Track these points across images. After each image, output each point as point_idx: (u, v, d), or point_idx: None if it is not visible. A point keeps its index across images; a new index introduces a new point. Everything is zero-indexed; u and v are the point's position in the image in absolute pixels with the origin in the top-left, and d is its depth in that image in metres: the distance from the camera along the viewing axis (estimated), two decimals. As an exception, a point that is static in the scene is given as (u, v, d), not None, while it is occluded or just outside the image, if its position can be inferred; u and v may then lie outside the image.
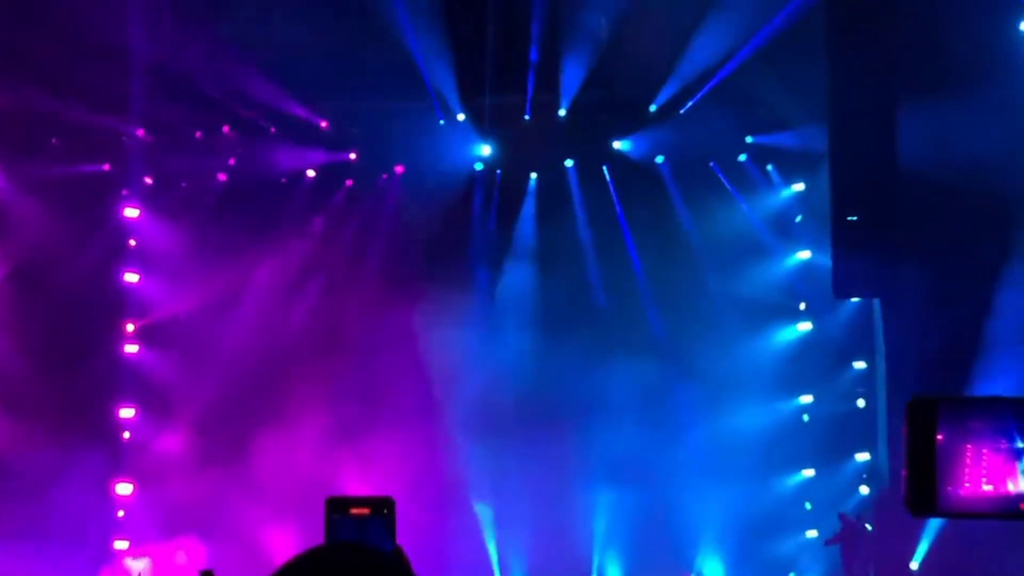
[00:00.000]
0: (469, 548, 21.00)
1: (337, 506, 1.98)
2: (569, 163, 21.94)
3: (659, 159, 21.84)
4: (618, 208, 21.78)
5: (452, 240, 21.58)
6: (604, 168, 21.87)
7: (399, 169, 21.82)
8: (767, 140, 21.39)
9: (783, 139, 21.13)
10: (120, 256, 21.59)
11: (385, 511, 1.96)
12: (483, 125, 21.51)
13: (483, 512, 21.30)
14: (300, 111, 21.12)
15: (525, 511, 20.98)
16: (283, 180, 21.80)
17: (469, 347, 21.18)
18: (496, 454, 20.99)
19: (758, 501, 20.99)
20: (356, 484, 20.38)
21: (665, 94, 21.16)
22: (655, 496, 20.67)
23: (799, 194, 21.60)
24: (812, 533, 21.36)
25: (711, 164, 21.79)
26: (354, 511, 1.99)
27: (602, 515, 21.09)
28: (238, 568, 19.09)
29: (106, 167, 21.36)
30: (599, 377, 20.49)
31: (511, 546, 21.25)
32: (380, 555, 1.67)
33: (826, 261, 19.26)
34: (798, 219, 21.73)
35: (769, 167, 21.78)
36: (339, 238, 21.77)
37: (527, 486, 20.93)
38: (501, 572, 21.20)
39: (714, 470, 20.63)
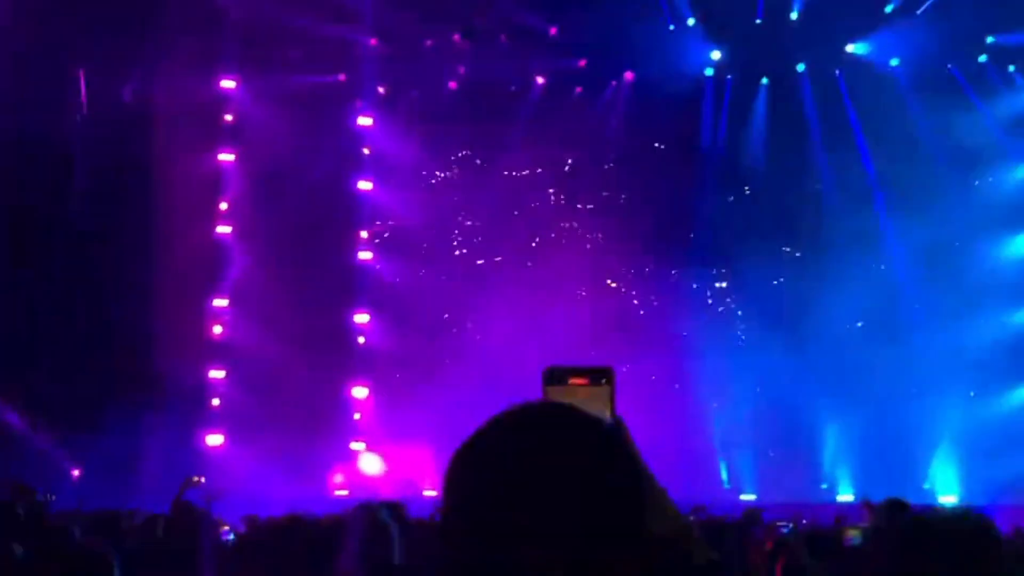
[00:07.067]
0: (697, 456, 20.94)
1: (555, 376, 1.94)
2: (801, 67, 21.51)
3: (894, 62, 21.26)
4: (851, 113, 21.31)
5: (683, 145, 21.41)
6: (837, 72, 21.39)
7: (629, 76, 21.70)
8: (1010, 40, 20.58)
9: (1028, 38, 20.38)
10: (354, 164, 22.00)
11: (604, 381, 1.92)
12: (713, 30, 21.22)
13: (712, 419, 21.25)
14: (530, 18, 21.10)
15: (753, 421, 20.84)
16: (512, 88, 21.88)
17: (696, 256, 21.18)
18: (721, 355, 20.88)
19: (992, 415, 20.41)
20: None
21: (903, -7, 20.57)
22: (885, 410, 20.25)
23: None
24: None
25: (949, 66, 21.12)
26: (572, 381, 1.95)
27: (832, 429, 20.79)
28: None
29: (341, 77, 21.71)
30: (827, 288, 20.10)
31: (739, 454, 21.16)
32: (595, 419, 1.66)
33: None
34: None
35: (1011, 68, 21.02)
36: (567, 145, 21.78)
37: (756, 397, 20.76)
38: (729, 477, 21.13)
39: (946, 384, 20.09)
